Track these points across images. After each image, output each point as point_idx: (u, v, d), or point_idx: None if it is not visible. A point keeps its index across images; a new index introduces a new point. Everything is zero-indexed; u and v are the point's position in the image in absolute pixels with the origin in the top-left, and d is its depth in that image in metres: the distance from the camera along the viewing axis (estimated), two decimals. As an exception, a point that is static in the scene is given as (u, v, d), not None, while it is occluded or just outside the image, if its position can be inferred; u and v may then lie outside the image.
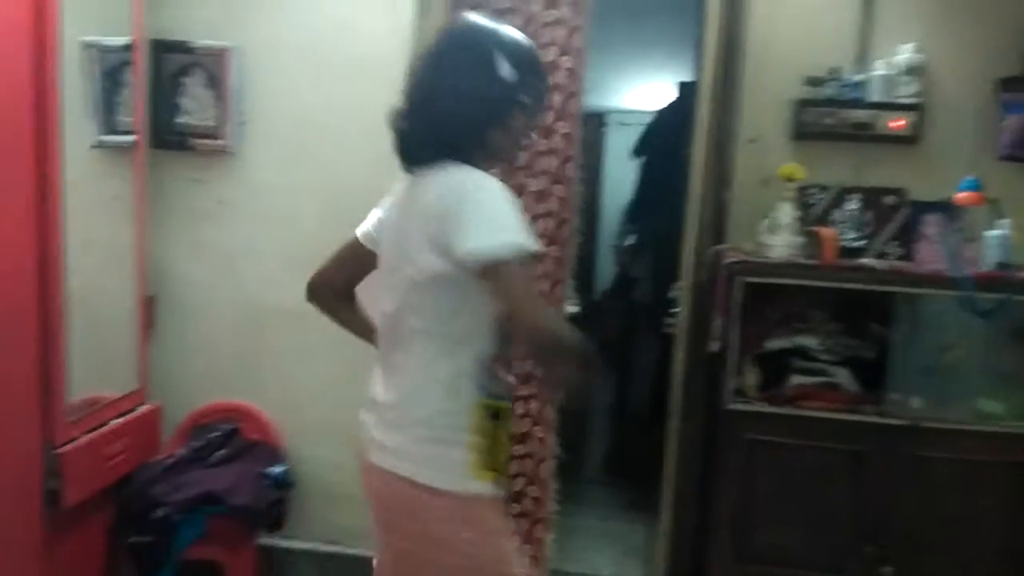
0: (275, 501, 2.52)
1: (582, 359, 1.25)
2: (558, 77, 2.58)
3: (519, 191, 2.64)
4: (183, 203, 2.70)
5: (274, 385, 2.72)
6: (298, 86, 2.64)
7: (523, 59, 1.47)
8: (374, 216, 1.64)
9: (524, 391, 2.66)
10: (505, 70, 1.43)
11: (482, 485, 1.42)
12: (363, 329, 1.70)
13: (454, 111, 1.43)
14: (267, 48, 2.63)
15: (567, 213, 2.65)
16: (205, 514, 2.36)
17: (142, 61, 2.50)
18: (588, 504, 3.67)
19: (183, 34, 2.64)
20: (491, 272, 1.29)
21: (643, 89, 4.11)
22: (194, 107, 2.65)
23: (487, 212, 1.32)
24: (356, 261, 1.65)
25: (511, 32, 1.49)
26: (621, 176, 4.12)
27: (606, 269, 4.40)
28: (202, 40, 2.62)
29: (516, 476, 2.71)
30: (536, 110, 1.52)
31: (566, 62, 2.58)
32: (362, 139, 2.53)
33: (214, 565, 2.45)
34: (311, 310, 1.71)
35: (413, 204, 1.44)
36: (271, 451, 2.64)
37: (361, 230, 1.65)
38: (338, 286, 1.69)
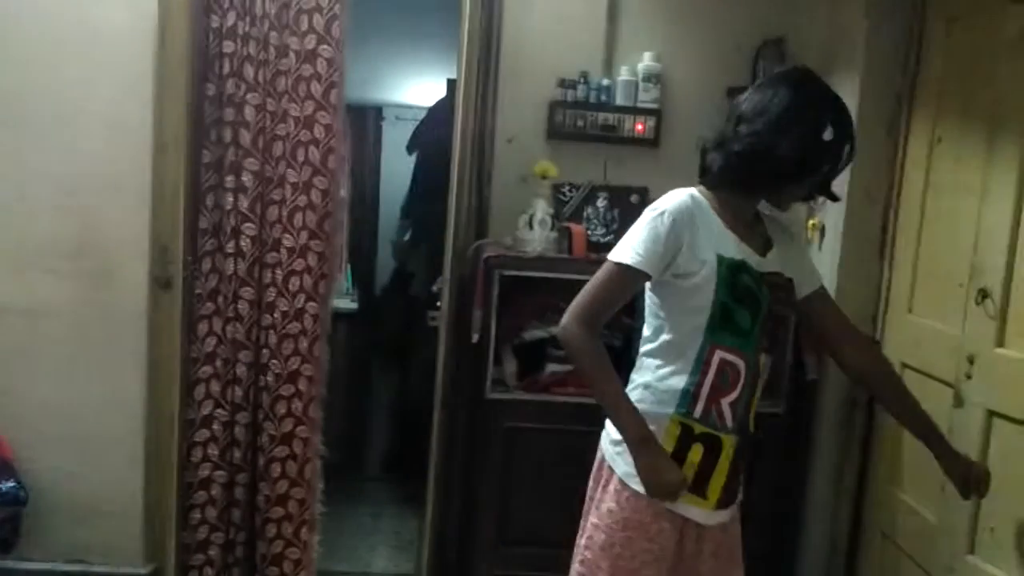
0: (5, 519, 2.35)
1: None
2: (318, 66, 2.54)
3: (280, 182, 2.56)
4: None
5: (-1, 393, 2.48)
6: (23, 62, 2.41)
7: (844, 127, 1.56)
8: None
9: (285, 391, 2.60)
10: (828, 135, 1.53)
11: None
12: None
13: (767, 163, 1.54)
14: (-14, 20, 2.39)
15: (331, 206, 2.61)
16: (-81, 539, 2.15)
17: None
18: (365, 502, 3.65)
19: None
20: None
21: (420, 84, 4.14)
22: None
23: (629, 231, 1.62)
24: None
25: (837, 96, 1.59)
26: (400, 170, 4.10)
27: (388, 264, 4.37)
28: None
29: (279, 479, 2.63)
30: (835, 171, 1.62)
31: (325, 51, 2.53)
32: (100, 121, 2.29)
33: (-69, 595, 2.25)
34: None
35: None
36: (-2, 465, 2.41)
37: None
38: None
